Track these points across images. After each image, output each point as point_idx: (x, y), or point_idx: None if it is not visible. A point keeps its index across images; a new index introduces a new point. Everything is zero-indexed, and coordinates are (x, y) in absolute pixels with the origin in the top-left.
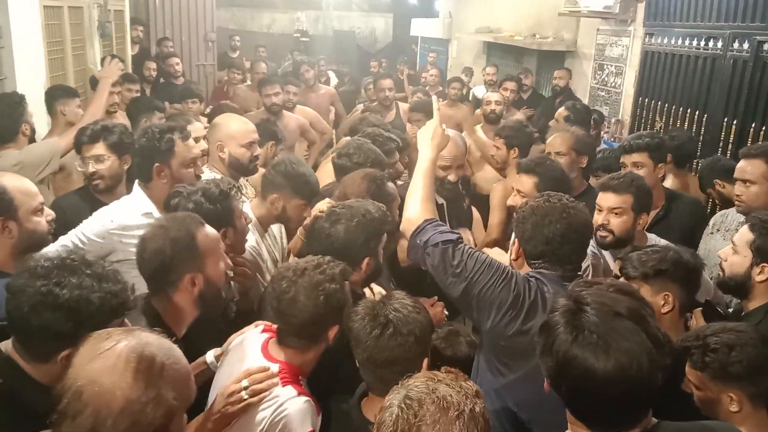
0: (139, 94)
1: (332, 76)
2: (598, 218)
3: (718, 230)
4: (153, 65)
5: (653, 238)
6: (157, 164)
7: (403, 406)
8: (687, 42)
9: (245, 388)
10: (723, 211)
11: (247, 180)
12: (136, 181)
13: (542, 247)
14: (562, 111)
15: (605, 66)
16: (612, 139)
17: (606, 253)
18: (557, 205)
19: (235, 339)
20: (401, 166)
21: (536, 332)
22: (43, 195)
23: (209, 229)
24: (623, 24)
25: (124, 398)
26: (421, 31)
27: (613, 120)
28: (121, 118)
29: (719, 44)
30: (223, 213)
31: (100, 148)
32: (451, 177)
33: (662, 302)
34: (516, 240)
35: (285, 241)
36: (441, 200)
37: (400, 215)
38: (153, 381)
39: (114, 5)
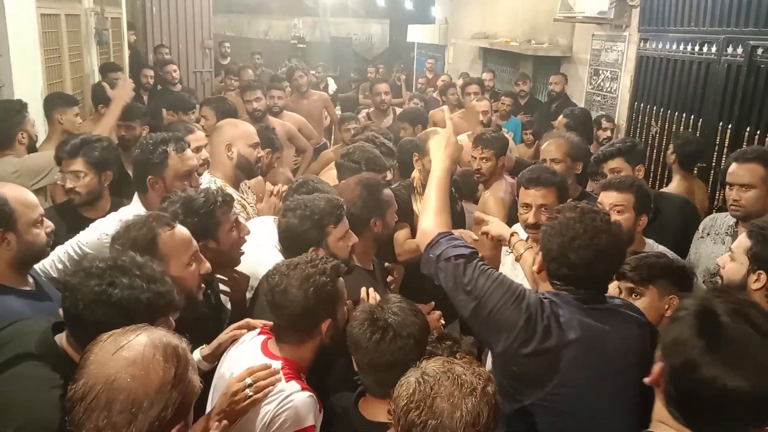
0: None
1: (331, 82)
2: None
3: (708, 234)
4: (150, 72)
5: (651, 243)
6: (150, 176)
7: (420, 380)
8: (681, 47)
9: (249, 386)
10: (713, 215)
11: (249, 186)
12: (136, 192)
13: (566, 271)
14: (561, 119)
15: (600, 71)
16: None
17: None
18: (589, 227)
19: (222, 336)
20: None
21: (551, 358)
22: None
23: (179, 230)
24: (618, 29)
25: (159, 380)
26: (417, 37)
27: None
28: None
29: (713, 49)
30: (202, 226)
31: (78, 164)
32: None
33: (666, 306)
34: (540, 253)
35: None
36: None
37: (399, 221)
38: (180, 364)
39: (111, 13)
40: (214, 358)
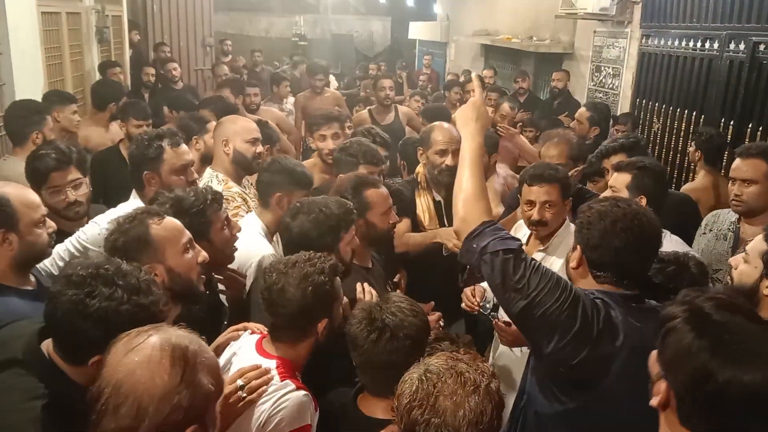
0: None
1: (332, 80)
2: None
3: (710, 230)
4: (152, 70)
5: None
6: (146, 172)
7: (423, 378)
8: (683, 43)
9: (241, 387)
10: (715, 212)
11: (251, 183)
12: (133, 189)
13: (610, 257)
14: (583, 111)
15: (602, 68)
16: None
17: None
18: (628, 210)
19: (220, 339)
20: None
21: (601, 363)
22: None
23: (169, 221)
24: (620, 26)
25: (163, 385)
26: (418, 34)
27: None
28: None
29: (716, 45)
30: (194, 225)
31: (74, 172)
32: (449, 162)
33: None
34: (579, 247)
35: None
36: (438, 197)
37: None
38: (189, 367)
39: (112, 11)
40: None
